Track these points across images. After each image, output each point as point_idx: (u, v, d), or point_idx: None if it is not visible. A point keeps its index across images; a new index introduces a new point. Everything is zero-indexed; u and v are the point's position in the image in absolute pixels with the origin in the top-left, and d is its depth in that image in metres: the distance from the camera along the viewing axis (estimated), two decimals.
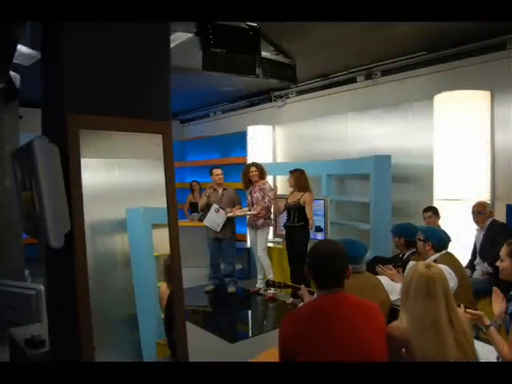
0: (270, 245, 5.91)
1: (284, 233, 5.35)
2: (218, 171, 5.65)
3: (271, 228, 5.78)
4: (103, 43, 1.81)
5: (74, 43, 1.74)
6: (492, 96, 4.46)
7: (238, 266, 6.20)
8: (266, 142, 7.27)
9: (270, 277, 5.33)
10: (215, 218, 5.44)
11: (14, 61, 3.52)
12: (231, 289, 5.58)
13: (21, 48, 3.51)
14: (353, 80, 6.01)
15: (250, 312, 5.42)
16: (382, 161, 5.15)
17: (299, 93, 6.91)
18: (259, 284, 5.64)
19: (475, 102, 4.41)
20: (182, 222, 6.05)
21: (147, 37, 1.93)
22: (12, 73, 3.89)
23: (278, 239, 6.12)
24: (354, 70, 5.86)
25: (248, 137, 7.24)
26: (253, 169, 5.49)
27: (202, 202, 5.72)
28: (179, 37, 3.96)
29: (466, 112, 4.38)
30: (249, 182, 5.55)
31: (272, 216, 5.61)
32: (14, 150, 2.13)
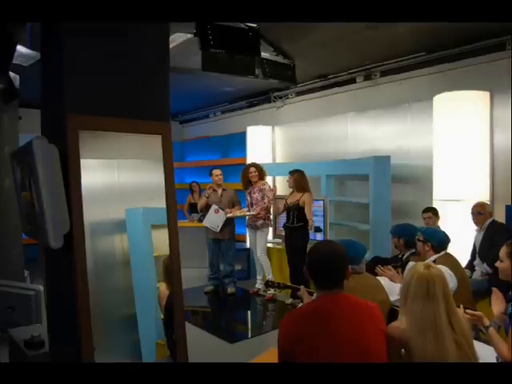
0: (269, 245, 5.90)
1: (283, 233, 5.35)
2: (217, 172, 5.64)
3: (271, 228, 5.77)
4: (103, 43, 1.81)
5: (74, 43, 1.74)
6: (491, 97, 4.46)
7: (238, 267, 6.19)
8: (266, 142, 7.27)
9: (270, 277, 5.32)
10: (215, 219, 5.43)
11: (14, 61, 3.51)
12: (231, 289, 5.58)
13: (21, 48, 3.50)
14: (352, 81, 6.01)
15: (249, 313, 5.42)
16: (381, 161, 5.15)
17: (299, 93, 6.91)
18: (259, 285, 5.63)
19: (475, 102, 4.41)
20: (181, 223, 6.05)
21: (147, 37, 1.93)
22: (12, 73, 3.89)
23: (277, 240, 6.12)
24: (353, 70, 5.86)
25: (247, 137, 7.24)
26: (252, 169, 5.48)
27: (201, 203, 5.71)
28: (179, 37, 3.96)
29: (466, 112, 4.38)
30: (248, 183, 5.54)
31: (271, 217, 5.61)
32: (13, 151, 2.13)
